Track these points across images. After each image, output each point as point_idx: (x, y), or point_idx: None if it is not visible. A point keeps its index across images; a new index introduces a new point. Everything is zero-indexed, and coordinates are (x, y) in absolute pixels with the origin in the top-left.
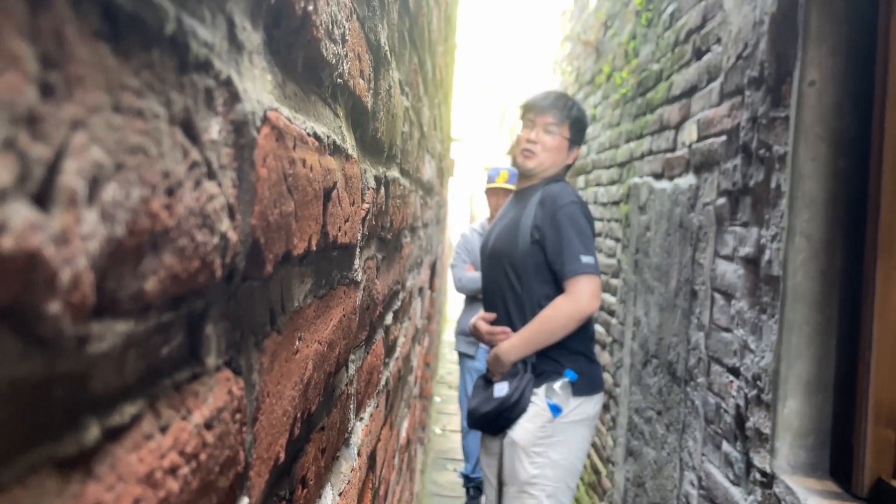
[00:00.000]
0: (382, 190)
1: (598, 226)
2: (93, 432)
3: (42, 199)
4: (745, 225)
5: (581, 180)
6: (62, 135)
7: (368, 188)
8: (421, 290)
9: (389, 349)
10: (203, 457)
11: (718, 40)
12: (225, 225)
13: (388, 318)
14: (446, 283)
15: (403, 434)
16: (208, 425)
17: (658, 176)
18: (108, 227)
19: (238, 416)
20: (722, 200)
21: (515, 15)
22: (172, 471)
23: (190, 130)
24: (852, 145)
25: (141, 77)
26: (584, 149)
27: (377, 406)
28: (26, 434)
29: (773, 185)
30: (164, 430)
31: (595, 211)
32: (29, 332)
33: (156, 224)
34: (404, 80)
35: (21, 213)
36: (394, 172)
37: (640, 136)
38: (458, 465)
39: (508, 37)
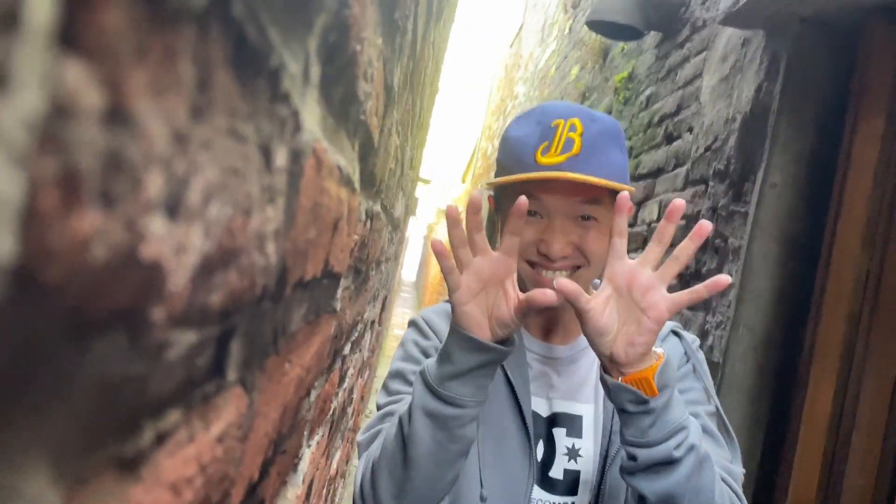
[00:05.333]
0: (369, 223)
1: None
2: (148, 435)
3: (171, 211)
4: (692, 308)
5: None
6: (195, 153)
7: (360, 220)
8: (373, 323)
9: (341, 379)
10: (211, 470)
11: (690, 129)
12: (271, 248)
13: (347, 349)
14: (390, 318)
15: (335, 465)
16: (220, 439)
17: None
18: (205, 242)
19: (239, 432)
20: (673, 282)
21: (493, 67)
22: (190, 481)
23: (267, 156)
24: (803, 249)
25: (248, 103)
26: None
27: (323, 435)
28: (100, 432)
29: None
30: (191, 439)
31: None
32: (134, 335)
33: (234, 242)
34: (399, 119)
35: (158, 224)
36: (377, 207)
37: None
38: None
39: (485, 86)
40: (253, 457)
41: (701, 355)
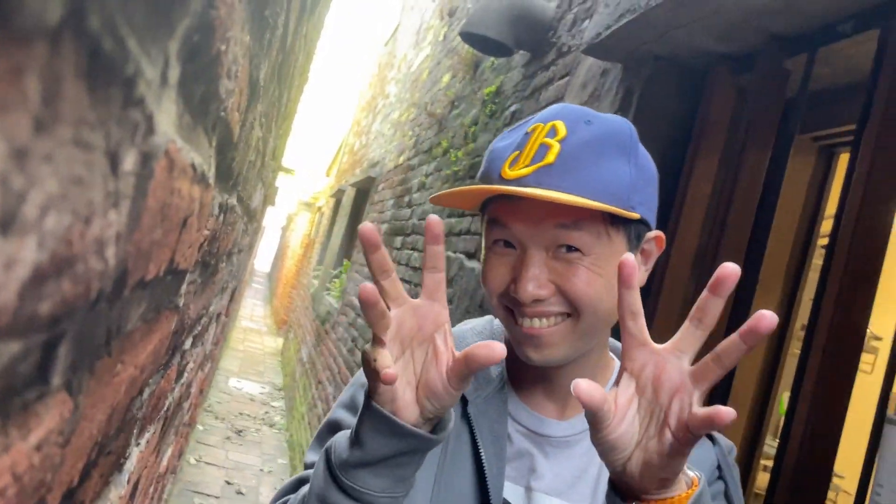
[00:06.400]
0: (222, 216)
1: (405, 288)
2: None
3: (3, 227)
4: None
5: (398, 240)
6: (35, 168)
7: (212, 215)
8: (218, 315)
9: (179, 374)
10: (26, 479)
11: None
12: (111, 252)
13: (188, 343)
14: (239, 309)
15: (165, 462)
16: (39, 447)
17: (470, 255)
18: (38, 254)
19: (60, 438)
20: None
21: (367, 63)
22: (1, 493)
23: (114, 162)
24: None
25: (98, 112)
26: (406, 212)
27: (154, 432)
28: None
29: None
30: (6, 449)
31: (405, 274)
32: None
33: (70, 251)
34: (264, 111)
35: None
36: (233, 200)
37: (462, 215)
38: (206, 500)
39: (357, 81)
40: (74, 461)
41: (736, 470)
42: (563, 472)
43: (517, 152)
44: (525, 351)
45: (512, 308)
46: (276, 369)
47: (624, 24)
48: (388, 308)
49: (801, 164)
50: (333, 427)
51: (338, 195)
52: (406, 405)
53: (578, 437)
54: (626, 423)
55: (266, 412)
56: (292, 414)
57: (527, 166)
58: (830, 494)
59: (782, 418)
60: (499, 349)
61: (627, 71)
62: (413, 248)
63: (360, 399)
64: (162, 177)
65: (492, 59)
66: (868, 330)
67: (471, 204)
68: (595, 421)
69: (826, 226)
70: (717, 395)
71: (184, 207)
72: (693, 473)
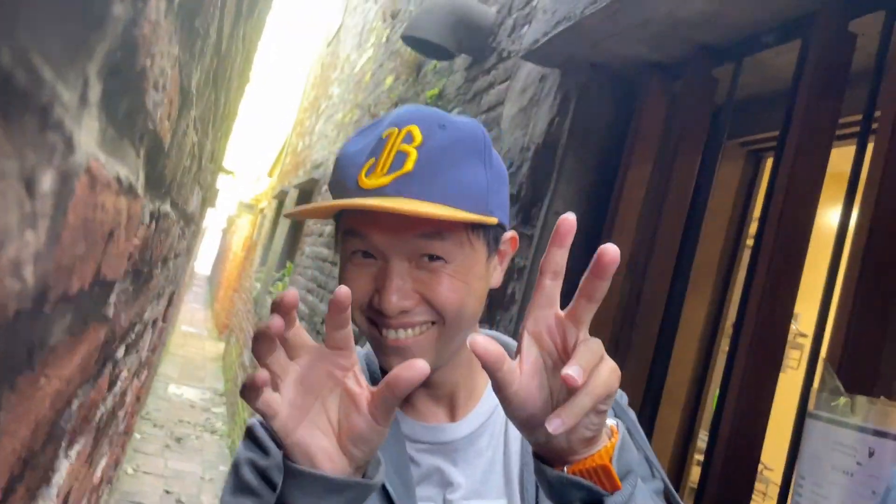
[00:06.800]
0: (154, 224)
1: None
2: None
3: None
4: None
5: None
6: None
7: (143, 224)
8: (155, 321)
9: (111, 383)
10: None
11: None
12: (28, 270)
13: (121, 352)
14: (178, 313)
15: (98, 473)
16: None
17: None
18: None
19: None
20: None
21: (310, 63)
22: None
23: (30, 185)
24: (579, 274)
25: (11, 140)
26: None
27: (86, 443)
28: None
29: (508, 291)
30: None
31: None
32: None
33: None
34: (199, 116)
35: None
36: (166, 206)
37: None
38: None
39: (300, 81)
40: None
41: (632, 414)
42: (474, 472)
43: (373, 159)
44: (391, 362)
45: (375, 319)
46: (218, 374)
47: (560, 31)
48: (292, 359)
49: (730, 168)
50: None
51: (280, 196)
52: (330, 457)
53: (478, 433)
54: (538, 388)
55: (207, 418)
56: (234, 420)
57: (385, 175)
58: (761, 486)
59: None
60: (420, 365)
61: (565, 77)
62: None
63: (249, 477)
64: (83, 193)
65: (434, 62)
66: (796, 328)
67: (326, 214)
68: (501, 387)
69: (754, 227)
70: (652, 390)
71: (109, 220)
72: (611, 422)
